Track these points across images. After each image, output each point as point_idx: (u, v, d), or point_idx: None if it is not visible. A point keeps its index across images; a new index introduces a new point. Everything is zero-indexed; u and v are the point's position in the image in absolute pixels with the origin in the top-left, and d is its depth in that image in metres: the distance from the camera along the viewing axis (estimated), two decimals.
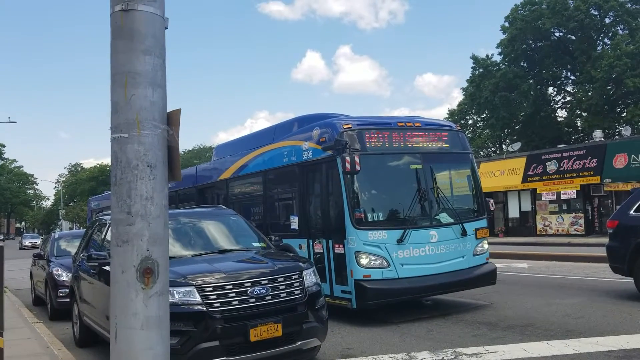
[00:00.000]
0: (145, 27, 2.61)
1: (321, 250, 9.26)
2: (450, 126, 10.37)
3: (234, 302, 5.67)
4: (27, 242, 53.04)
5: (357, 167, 8.33)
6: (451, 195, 9.69)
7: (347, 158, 8.35)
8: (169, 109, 2.81)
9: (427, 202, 9.09)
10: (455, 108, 53.70)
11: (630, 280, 9.66)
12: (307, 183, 9.78)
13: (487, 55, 48.11)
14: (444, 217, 9.28)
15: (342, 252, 8.69)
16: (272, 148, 11.12)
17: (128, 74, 2.60)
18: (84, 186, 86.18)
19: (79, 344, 8.38)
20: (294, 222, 10.01)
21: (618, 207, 10.68)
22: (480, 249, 9.54)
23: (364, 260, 8.44)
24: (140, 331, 2.54)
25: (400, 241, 8.61)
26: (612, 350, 6.34)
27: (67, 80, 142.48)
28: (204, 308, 5.55)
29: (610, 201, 26.93)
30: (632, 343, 6.61)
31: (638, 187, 11.38)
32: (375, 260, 8.48)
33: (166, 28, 2.71)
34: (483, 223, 9.76)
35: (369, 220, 8.72)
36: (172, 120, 2.70)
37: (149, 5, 2.62)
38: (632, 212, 9.61)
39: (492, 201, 10.52)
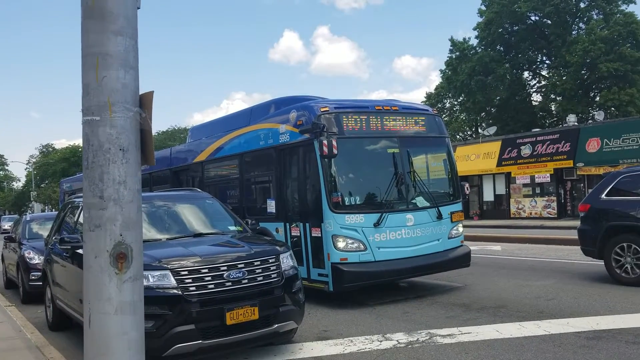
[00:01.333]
0: (117, 7, 2.53)
1: (298, 234, 9.27)
2: (427, 110, 10.40)
3: (210, 286, 5.66)
4: (6, 226, 49.28)
5: (335, 151, 8.32)
6: (427, 179, 9.76)
7: (325, 141, 8.33)
8: (142, 90, 2.75)
9: (403, 185, 9.15)
10: (433, 91, 53.95)
11: (601, 262, 9.89)
12: (284, 166, 9.74)
13: (464, 39, 48.31)
14: (420, 201, 9.34)
15: (319, 235, 8.71)
16: (248, 130, 11.03)
17: (99, 55, 2.53)
18: (56, 167, 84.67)
19: (52, 327, 8.30)
20: (271, 206, 9.99)
21: (590, 190, 10.87)
22: (455, 232, 9.66)
23: (340, 244, 8.47)
24: (114, 316, 2.51)
25: (377, 225, 8.66)
26: (582, 332, 6.50)
27: (38, 58, 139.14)
28: (179, 292, 5.52)
29: (582, 185, 27.45)
30: (602, 324, 6.78)
31: (610, 171, 11.59)
32: (352, 243, 8.53)
33: (138, 8, 2.65)
34: (458, 207, 9.87)
35: (346, 204, 8.74)
36: (144, 103, 2.64)
37: None
38: (603, 196, 9.80)
39: (467, 185, 10.64)
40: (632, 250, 9.19)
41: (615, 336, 6.26)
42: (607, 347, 5.89)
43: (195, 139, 14.57)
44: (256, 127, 10.74)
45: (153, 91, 2.64)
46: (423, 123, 9.86)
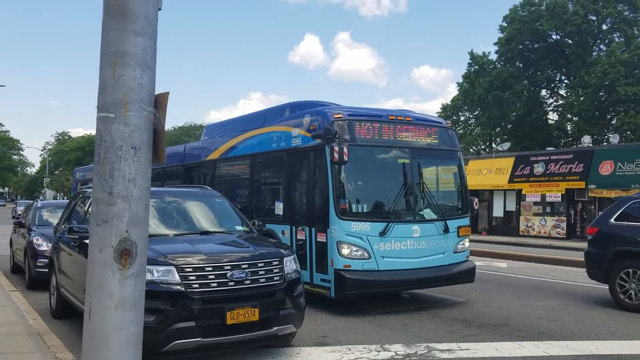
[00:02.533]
0: (138, 7, 2.58)
1: (304, 238, 9.30)
2: (441, 122, 10.41)
3: (213, 284, 5.70)
4: (21, 210, 46.65)
5: (345, 158, 8.34)
6: (436, 191, 9.76)
7: (336, 148, 8.34)
8: (160, 89, 2.80)
9: (412, 196, 9.15)
10: (449, 103, 53.81)
11: (606, 287, 9.81)
12: (295, 170, 9.79)
13: (483, 53, 48.22)
14: (428, 213, 9.34)
15: (324, 240, 8.73)
16: (262, 132, 11.09)
17: (117, 54, 2.58)
18: (71, 155, 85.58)
19: (55, 315, 8.38)
20: (279, 208, 10.03)
21: (600, 213, 10.81)
22: (461, 246, 9.64)
23: (345, 251, 8.49)
24: (115, 311, 2.56)
25: (382, 234, 8.67)
26: (580, 355, 6.47)
27: (59, 47, 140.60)
28: (183, 288, 5.57)
29: (593, 207, 27.22)
30: (601, 349, 6.74)
31: (622, 195, 11.53)
32: (357, 251, 8.54)
33: (159, 9, 2.70)
34: (466, 221, 9.85)
35: (353, 211, 8.77)
36: (159, 103, 2.69)
37: None
38: (612, 220, 9.74)
39: (476, 200, 10.63)
40: (637, 276, 9.12)
41: None
42: None
43: (209, 137, 14.68)
44: (270, 129, 10.80)
45: (168, 92, 2.69)
46: (436, 135, 9.86)
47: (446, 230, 9.32)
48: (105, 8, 2.62)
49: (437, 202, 9.48)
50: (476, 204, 10.44)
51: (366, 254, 8.59)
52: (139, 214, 2.62)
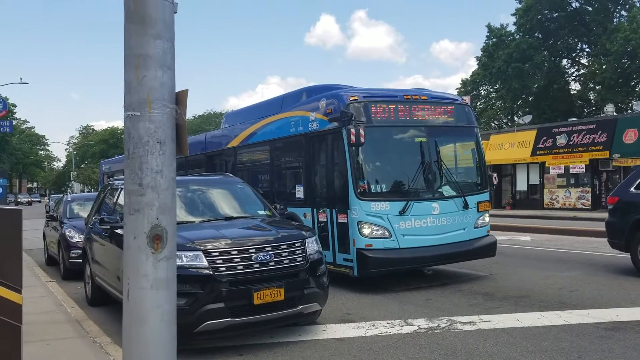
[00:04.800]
0: (156, 12, 2.78)
1: (325, 219, 9.52)
2: (457, 99, 10.46)
3: (239, 267, 5.95)
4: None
5: (362, 139, 8.49)
6: (455, 168, 9.88)
7: (352, 130, 8.49)
8: (178, 77, 3.02)
9: (430, 174, 9.28)
10: (469, 78, 53.27)
11: (628, 255, 9.87)
12: (313, 153, 9.98)
13: (501, 25, 47.57)
14: (447, 190, 9.47)
15: (345, 221, 8.94)
16: (280, 117, 11.29)
17: (140, 57, 2.80)
18: (95, 148, 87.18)
19: (91, 302, 8.75)
20: (300, 192, 10.25)
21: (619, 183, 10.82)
22: (481, 221, 9.76)
23: (366, 230, 8.68)
24: (150, 291, 2.81)
25: (402, 212, 8.83)
26: (601, 322, 6.59)
27: (78, 39, 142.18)
28: (211, 272, 5.83)
29: (618, 176, 26.91)
30: (621, 316, 6.86)
31: None
32: (377, 230, 8.73)
33: (175, 12, 2.91)
34: (485, 196, 9.95)
35: (372, 191, 8.94)
36: (180, 99, 2.92)
37: None
38: (632, 189, 9.76)
39: (495, 175, 10.75)
40: None
41: (633, 327, 6.34)
42: (624, 337, 5.99)
43: (229, 124, 14.94)
44: (287, 115, 10.99)
45: (187, 90, 2.91)
46: (452, 112, 9.94)
47: (466, 206, 9.44)
48: (126, 14, 2.83)
49: (455, 179, 9.60)
50: (495, 179, 10.56)
51: (387, 233, 8.77)
52: (167, 202, 2.87)
